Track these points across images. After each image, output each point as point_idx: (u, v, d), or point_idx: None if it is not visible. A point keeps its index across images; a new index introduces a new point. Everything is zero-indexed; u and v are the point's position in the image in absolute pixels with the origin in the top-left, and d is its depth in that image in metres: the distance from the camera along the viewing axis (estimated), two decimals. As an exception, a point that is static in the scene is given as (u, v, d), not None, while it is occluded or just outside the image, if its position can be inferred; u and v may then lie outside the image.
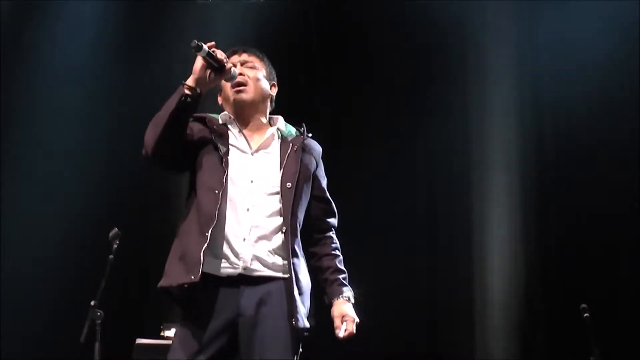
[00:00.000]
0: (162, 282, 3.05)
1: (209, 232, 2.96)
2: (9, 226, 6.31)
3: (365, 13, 6.75)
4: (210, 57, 3.02)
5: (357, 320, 3.16)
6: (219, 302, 3.00)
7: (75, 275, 5.94)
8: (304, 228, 3.20)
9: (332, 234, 3.32)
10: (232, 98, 3.21)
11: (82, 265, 5.85)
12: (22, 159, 6.55)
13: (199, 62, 3.02)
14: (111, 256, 4.46)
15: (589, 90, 6.29)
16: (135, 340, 5.33)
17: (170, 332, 5.29)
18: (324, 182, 3.32)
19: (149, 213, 6.44)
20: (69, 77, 6.65)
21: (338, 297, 3.17)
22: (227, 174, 3.05)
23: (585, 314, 5.15)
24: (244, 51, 3.33)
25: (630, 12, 6.24)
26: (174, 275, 3.00)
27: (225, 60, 3.06)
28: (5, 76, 6.57)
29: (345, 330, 3.10)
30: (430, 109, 6.75)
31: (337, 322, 3.12)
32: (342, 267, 3.25)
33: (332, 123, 6.44)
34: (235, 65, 3.20)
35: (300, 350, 3.13)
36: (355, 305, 3.20)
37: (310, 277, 3.21)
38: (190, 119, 3.14)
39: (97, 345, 4.40)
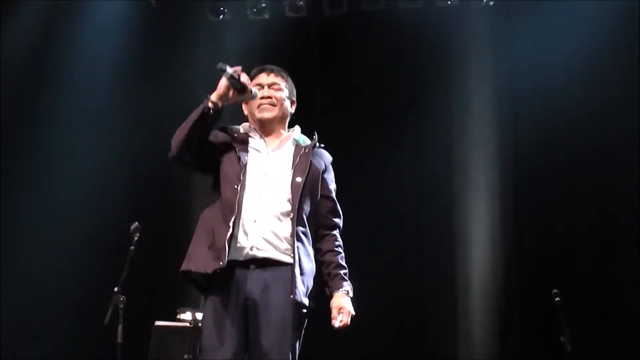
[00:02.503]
0: (186, 267, 3.08)
1: (231, 222, 3.03)
2: (42, 222, 6.36)
3: (360, 32, 6.78)
4: (233, 79, 3.10)
5: (353, 313, 3.14)
6: (232, 286, 3.03)
7: (100, 265, 5.95)
8: (312, 225, 3.22)
9: (337, 232, 3.31)
10: (257, 115, 3.29)
11: (106, 255, 5.84)
12: (49, 161, 6.57)
13: (223, 81, 3.12)
14: (132, 247, 4.46)
15: (559, 99, 6.31)
16: (154, 323, 5.41)
17: (185, 315, 5.35)
18: (332, 185, 3.34)
19: (165, 211, 6.44)
20: (92, 84, 6.69)
21: (338, 290, 3.15)
22: (244, 171, 3.13)
23: (557, 298, 5.14)
24: (272, 71, 3.36)
25: (602, 25, 6.23)
26: (199, 261, 3.05)
27: (247, 83, 3.14)
28: (35, 78, 6.61)
29: (340, 322, 3.09)
30: (417, 118, 6.78)
31: (334, 312, 3.11)
32: (344, 264, 3.24)
33: (331, 130, 6.41)
34: (262, 87, 3.29)
35: (304, 331, 3.14)
36: (353, 299, 3.18)
37: (315, 269, 3.22)
38: (215, 129, 3.23)
39: (119, 327, 4.41)
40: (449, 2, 6.59)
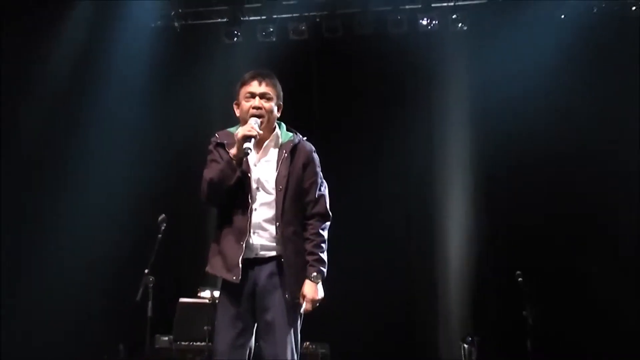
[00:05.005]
0: (210, 270, 3.15)
1: (244, 242, 3.07)
2: (83, 216, 6.46)
3: (353, 52, 6.88)
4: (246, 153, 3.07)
5: (317, 297, 3.08)
6: (243, 277, 3.09)
7: (132, 251, 6.01)
8: (301, 216, 3.17)
9: (316, 220, 3.15)
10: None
11: (137, 242, 5.78)
12: (88, 161, 6.65)
13: (235, 152, 3.07)
14: (160, 235, 4.55)
15: (524, 108, 6.42)
16: (178, 300, 5.59)
17: (205, 293, 5.48)
18: (313, 178, 3.17)
19: (187, 205, 6.48)
20: (125, 94, 6.78)
21: (307, 277, 3.10)
22: (251, 194, 3.10)
23: (520, 279, 5.30)
24: (263, 80, 3.18)
25: (559, 43, 6.33)
26: (217, 269, 3.11)
27: (256, 132, 3.06)
28: (76, 90, 6.72)
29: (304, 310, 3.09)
30: (402, 127, 6.87)
31: (301, 300, 3.09)
32: (315, 250, 3.12)
33: (327, 135, 6.44)
34: (254, 96, 3.15)
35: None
36: (324, 283, 3.11)
37: None
38: (214, 143, 3.18)
39: (149, 303, 4.58)
40: (429, 28, 6.70)
